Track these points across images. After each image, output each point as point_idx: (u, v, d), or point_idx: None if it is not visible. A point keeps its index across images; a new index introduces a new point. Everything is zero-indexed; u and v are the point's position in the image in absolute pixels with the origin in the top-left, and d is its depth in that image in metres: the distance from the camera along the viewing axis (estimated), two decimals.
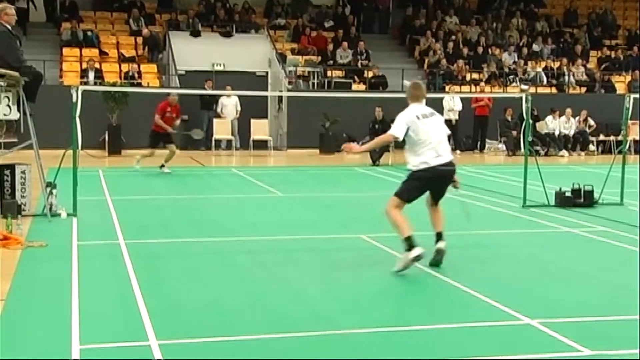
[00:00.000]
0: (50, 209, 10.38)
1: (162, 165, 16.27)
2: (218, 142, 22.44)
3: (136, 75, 22.81)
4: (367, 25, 28.41)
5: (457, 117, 22.91)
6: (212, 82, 22.58)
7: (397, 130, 7.60)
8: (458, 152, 22.82)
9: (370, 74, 24.91)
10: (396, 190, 7.68)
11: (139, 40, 24.49)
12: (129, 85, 21.94)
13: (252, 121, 22.37)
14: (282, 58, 24.33)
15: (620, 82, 27.03)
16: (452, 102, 22.90)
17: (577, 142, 23.67)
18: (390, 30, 29.11)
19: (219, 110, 22.65)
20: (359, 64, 25.36)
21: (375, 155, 19.32)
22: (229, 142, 22.54)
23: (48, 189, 10.50)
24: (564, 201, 11.95)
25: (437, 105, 22.10)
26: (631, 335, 5.62)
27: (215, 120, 22.43)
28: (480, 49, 26.83)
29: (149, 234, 9.62)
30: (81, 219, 10.34)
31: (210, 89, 22.18)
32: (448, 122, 22.67)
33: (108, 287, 6.91)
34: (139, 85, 22.43)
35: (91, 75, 22.19)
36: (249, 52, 24.62)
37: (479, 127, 23.72)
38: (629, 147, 20.24)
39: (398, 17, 28.90)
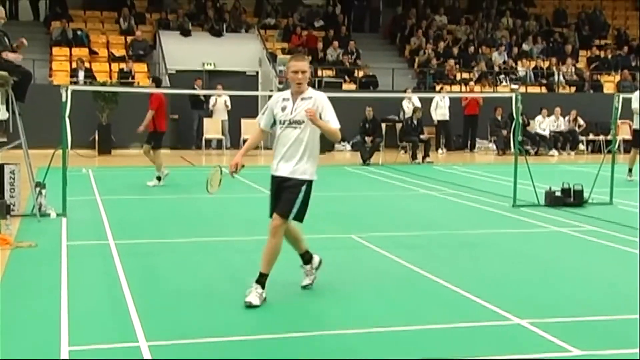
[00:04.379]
0: (40, 208, 10.33)
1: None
2: (208, 141, 22.43)
3: (131, 73, 22.72)
4: (358, 25, 28.44)
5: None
6: (201, 81, 22.56)
7: None
8: (440, 151, 22.85)
9: (361, 74, 24.91)
10: None
11: (129, 39, 24.42)
12: (120, 84, 21.87)
13: (243, 121, 22.31)
14: (272, 57, 24.31)
15: (609, 82, 27.11)
16: (443, 101, 22.94)
17: (566, 142, 23.74)
18: (380, 29, 29.13)
19: (209, 108, 22.63)
20: (348, 63, 25.28)
21: (366, 155, 19.32)
22: (219, 141, 22.51)
23: (37, 189, 10.45)
24: (553, 200, 11.98)
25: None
26: (621, 335, 5.64)
27: (205, 120, 22.43)
28: (470, 49, 26.88)
29: (139, 234, 9.59)
30: (71, 218, 10.30)
31: (200, 88, 22.16)
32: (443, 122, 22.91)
33: (98, 288, 6.88)
34: (131, 84, 22.37)
35: (81, 74, 22.12)
36: (239, 51, 24.59)
37: (469, 127, 23.77)
38: (619, 146, 20.29)
39: (388, 17, 28.94)
